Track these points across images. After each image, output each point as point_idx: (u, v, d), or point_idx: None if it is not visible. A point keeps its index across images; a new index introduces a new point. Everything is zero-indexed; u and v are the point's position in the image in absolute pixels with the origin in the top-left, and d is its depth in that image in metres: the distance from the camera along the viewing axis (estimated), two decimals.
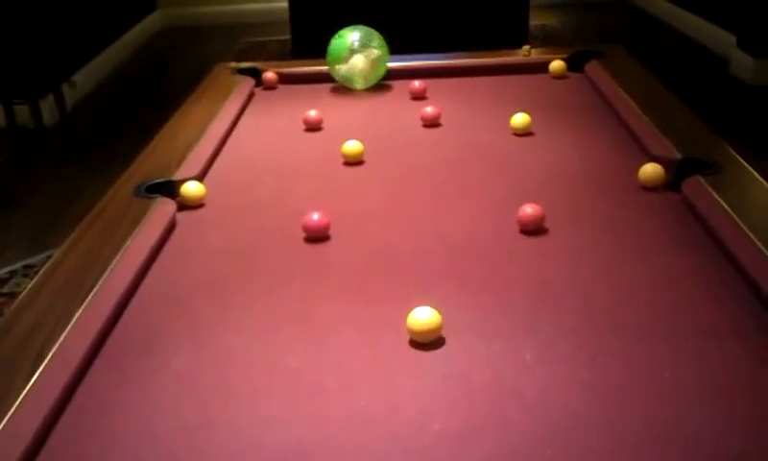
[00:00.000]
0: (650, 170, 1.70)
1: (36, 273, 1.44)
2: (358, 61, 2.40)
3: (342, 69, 2.44)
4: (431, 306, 1.22)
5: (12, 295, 3.12)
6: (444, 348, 1.20)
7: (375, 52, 2.43)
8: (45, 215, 3.86)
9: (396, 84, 2.52)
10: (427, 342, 1.20)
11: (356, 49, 2.42)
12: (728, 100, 5.04)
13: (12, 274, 3.34)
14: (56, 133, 4.91)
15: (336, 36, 2.48)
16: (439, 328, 1.21)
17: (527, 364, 1.16)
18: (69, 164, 4.50)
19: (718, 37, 5.86)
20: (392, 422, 1.06)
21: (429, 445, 1.01)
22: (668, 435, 1.01)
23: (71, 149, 4.76)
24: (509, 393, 1.10)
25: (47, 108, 4.88)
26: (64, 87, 5.10)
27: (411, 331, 1.21)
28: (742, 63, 5.31)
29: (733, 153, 1.77)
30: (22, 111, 4.72)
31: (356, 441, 1.03)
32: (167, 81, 6.22)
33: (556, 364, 1.15)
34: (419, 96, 2.37)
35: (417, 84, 2.38)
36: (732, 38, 5.54)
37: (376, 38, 2.47)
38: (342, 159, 1.94)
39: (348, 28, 2.50)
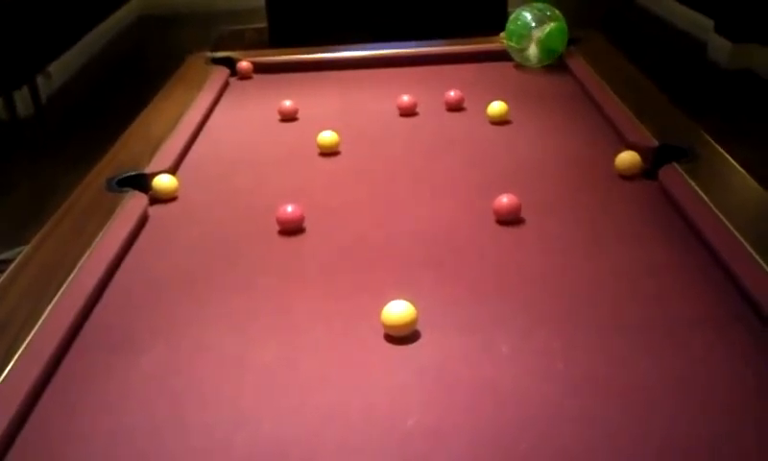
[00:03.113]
0: (627, 158, 1.69)
1: None
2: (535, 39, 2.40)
3: (527, 49, 2.43)
4: (406, 300, 1.21)
5: None
6: (420, 341, 1.19)
7: (551, 25, 2.40)
8: (21, 209, 3.81)
9: (373, 72, 2.50)
10: (402, 336, 1.19)
11: (533, 26, 2.40)
12: (705, 84, 5.05)
13: None
14: (31, 125, 4.86)
15: (513, 18, 2.47)
16: (414, 322, 1.19)
17: (503, 356, 1.15)
18: (45, 157, 4.45)
19: (696, 22, 5.88)
20: (367, 417, 1.05)
21: (405, 440, 1.00)
22: (645, 426, 1.00)
23: (46, 141, 4.71)
24: (484, 386, 1.09)
25: (22, 99, 4.82)
26: (39, 79, 5.04)
27: (386, 325, 1.19)
28: (719, 48, 5.32)
29: (710, 139, 1.77)
30: None
31: (331, 437, 1.01)
32: (144, 70, 6.15)
33: (532, 356, 1.14)
34: (454, 107, 2.16)
35: (452, 94, 2.17)
36: (709, 23, 5.56)
37: (552, 11, 2.45)
38: (317, 150, 1.92)
39: (524, 8, 2.48)
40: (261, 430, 1.03)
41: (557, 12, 2.46)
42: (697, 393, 1.06)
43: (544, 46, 2.40)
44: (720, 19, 5.38)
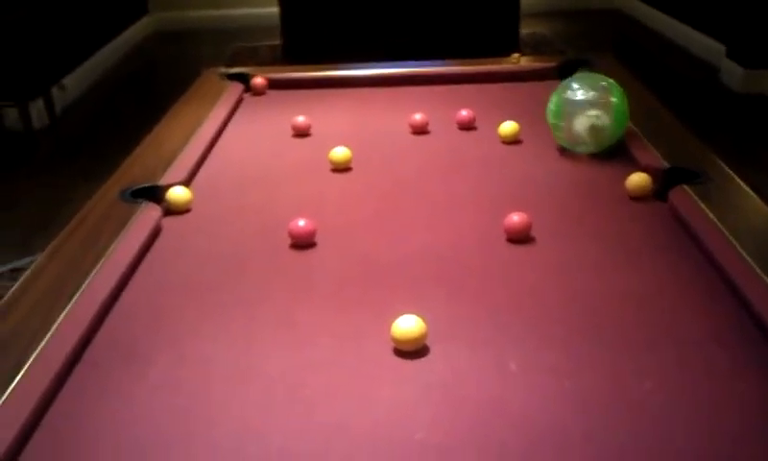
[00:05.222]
0: (637, 180, 1.69)
1: None
2: (584, 123, 1.88)
3: (566, 132, 1.93)
4: (416, 315, 1.22)
5: None
6: (429, 357, 1.19)
7: (604, 115, 1.88)
8: (33, 218, 3.84)
9: (386, 90, 2.51)
10: (411, 351, 1.20)
11: (581, 106, 1.89)
12: (717, 109, 5.05)
13: None
14: (45, 136, 4.89)
15: (559, 89, 1.97)
16: (423, 337, 1.20)
17: (511, 374, 1.15)
18: (58, 168, 4.48)
19: (708, 47, 5.88)
20: (375, 432, 1.05)
21: (412, 455, 1.00)
22: (652, 447, 1.00)
23: (60, 152, 4.74)
24: (492, 403, 1.09)
25: (36, 111, 4.86)
26: (54, 90, 5.08)
27: (395, 340, 1.20)
28: (731, 73, 5.33)
29: (720, 162, 1.77)
30: (11, 114, 4.70)
31: (338, 452, 1.02)
32: (157, 85, 6.20)
33: (540, 374, 1.15)
34: (466, 126, 2.17)
35: (464, 113, 2.17)
36: (721, 48, 5.57)
37: (609, 91, 1.91)
38: (330, 166, 1.93)
39: (576, 77, 1.99)
40: (269, 444, 1.04)
41: (618, 92, 1.91)
42: (705, 414, 1.06)
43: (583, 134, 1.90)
44: (732, 45, 5.39)
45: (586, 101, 1.90)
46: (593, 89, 1.91)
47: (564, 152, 1.97)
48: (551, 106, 1.97)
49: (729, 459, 0.98)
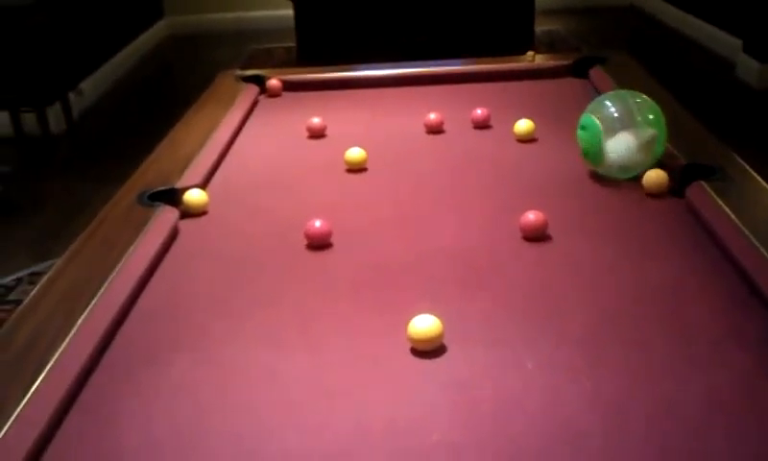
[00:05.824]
0: (654, 176, 1.69)
1: None
2: (622, 147, 1.71)
3: (605, 156, 1.73)
4: (433, 314, 1.22)
5: (19, 303, 3.12)
6: (445, 356, 1.19)
7: (649, 131, 1.71)
8: (52, 223, 3.87)
9: (400, 90, 2.51)
10: (428, 350, 1.20)
11: (619, 127, 1.72)
12: (734, 105, 5.02)
13: (19, 281, 3.35)
14: (62, 140, 4.93)
15: (589, 110, 1.78)
16: (440, 337, 1.20)
17: (528, 373, 1.15)
18: (76, 172, 4.51)
19: (724, 42, 5.85)
20: (392, 432, 1.05)
21: (428, 455, 1.01)
22: (667, 446, 1.00)
23: (78, 157, 4.77)
24: (509, 402, 1.09)
25: (54, 115, 4.90)
26: (71, 95, 5.12)
27: (412, 339, 1.20)
28: (748, 68, 5.29)
29: (738, 158, 1.76)
30: (29, 119, 4.74)
31: (355, 451, 1.02)
32: (174, 89, 6.23)
33: (557, 373, 1.15)
34: (481, 125, 2.16)
35: (479, 112, 2.17)
36: (738, 43, 5.53)
37: (645, 110, 1.76)
38: (345, 167, 1.94)
39: (609, 96, 1.84)
40: (287, 444, 1.04)
41: (655, 111, 1.76)
42: (722, 413, 1.05)
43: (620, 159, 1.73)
44: (749, 39, 5.35)
45: (621, 119, 1.73)
46: (629, 108, 1.75)
47: (579, 150, 1.96)
48: (586, 131, 1.76)
49: (746, 458, 0.98)
